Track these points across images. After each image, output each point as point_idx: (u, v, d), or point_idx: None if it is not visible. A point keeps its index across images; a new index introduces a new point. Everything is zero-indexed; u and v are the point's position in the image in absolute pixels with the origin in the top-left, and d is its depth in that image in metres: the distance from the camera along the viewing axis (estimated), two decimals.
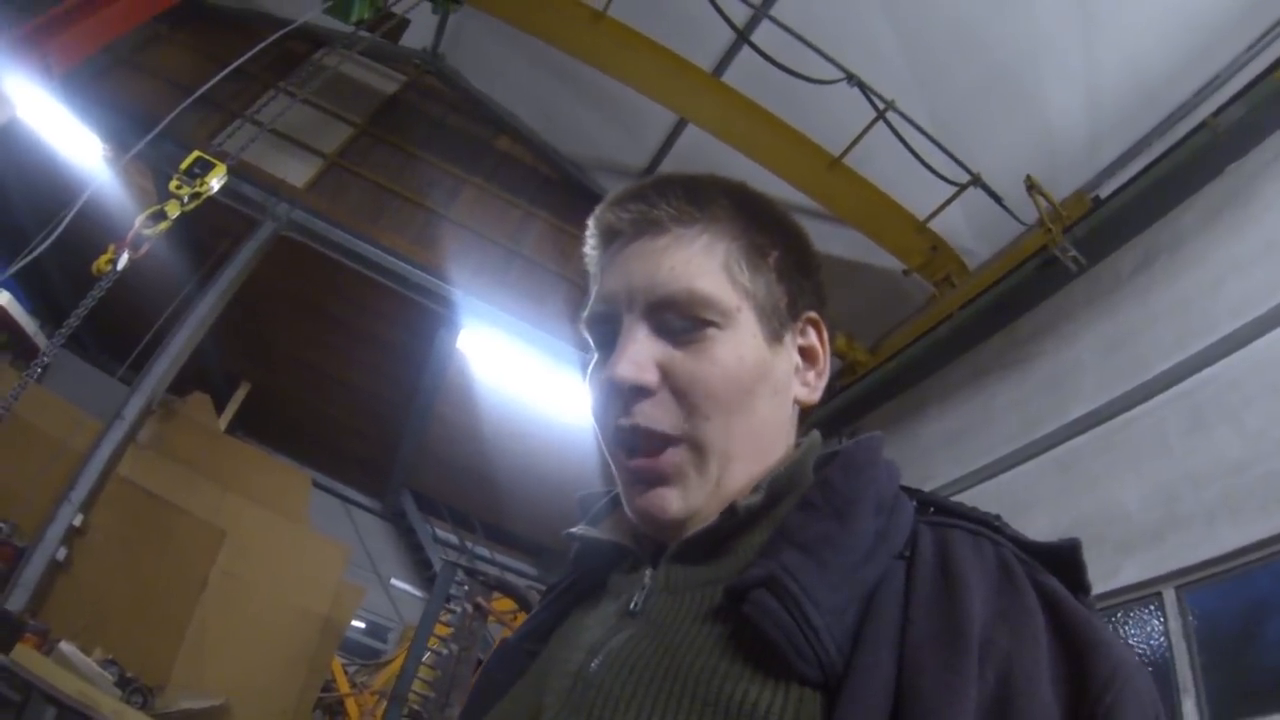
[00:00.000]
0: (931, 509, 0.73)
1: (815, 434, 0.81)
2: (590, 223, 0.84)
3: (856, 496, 0.68)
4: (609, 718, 0.62)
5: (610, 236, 0.82)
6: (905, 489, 0.75)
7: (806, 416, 0.84)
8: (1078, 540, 0.67)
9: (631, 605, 0.72)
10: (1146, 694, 0.57)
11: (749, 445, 0.75)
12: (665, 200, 0.78)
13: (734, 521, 0.71)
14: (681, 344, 0.74)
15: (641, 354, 0.73)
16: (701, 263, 0.75)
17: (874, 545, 0.65)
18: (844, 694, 0.56)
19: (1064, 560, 0.66)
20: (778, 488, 0.73)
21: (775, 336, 0.78)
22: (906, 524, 0.69)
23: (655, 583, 0.73)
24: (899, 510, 0.70)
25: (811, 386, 0.82)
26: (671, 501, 0.73)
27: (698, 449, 0.73)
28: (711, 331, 0.73)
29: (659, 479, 0.73)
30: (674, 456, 0.73)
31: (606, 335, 0.79)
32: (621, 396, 0.74)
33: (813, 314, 0.83)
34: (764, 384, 0.75)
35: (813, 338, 0.83)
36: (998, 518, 0.70)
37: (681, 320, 0.74)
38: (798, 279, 0.82)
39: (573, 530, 0.84)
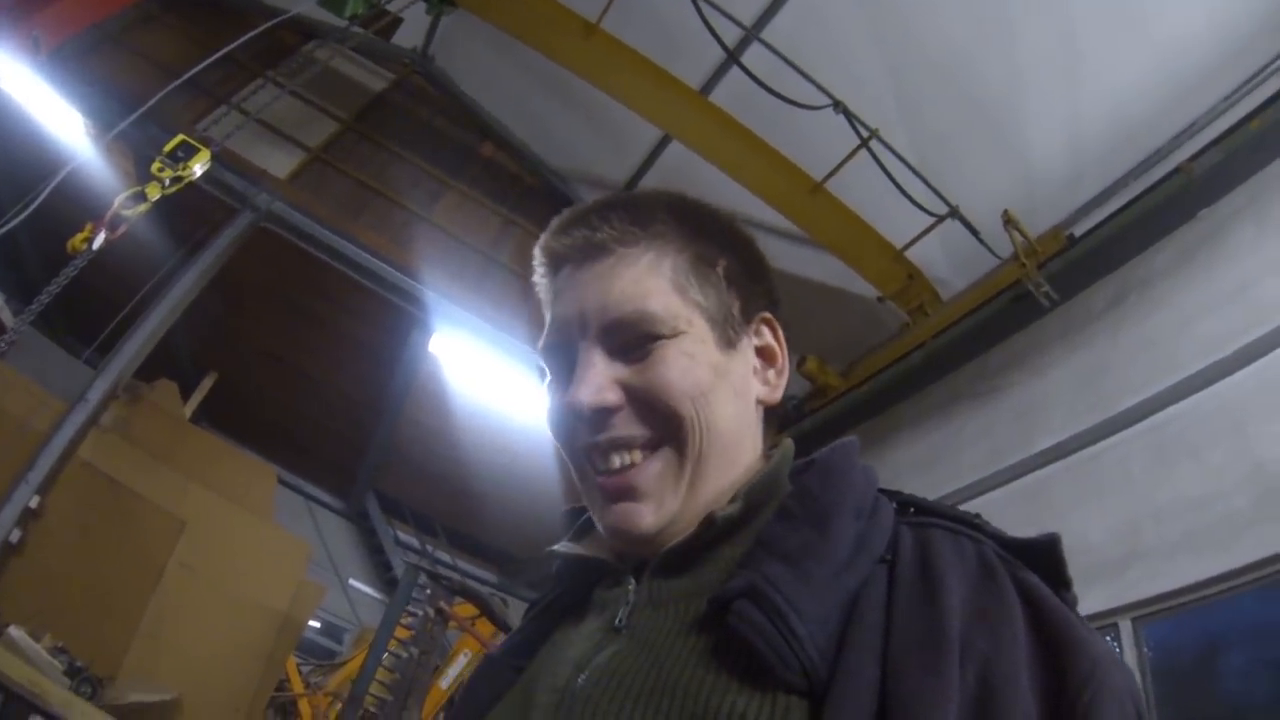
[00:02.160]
0: (912, 510, 0.75)
1: (788, 442, 0.83)
2: (537, 251, 0.85)
3: (835, 503, 0.69)
4: None
5: (557, 264, 0.83)
6: (884, 491, 0.76)
7: (772, 418, 0.85)
8: (1057, 535, 0.68)
9: (616, 620, 0.72)
10: (1125, 690, 0.58)
11: (720, 444, 0.76)
12: (607, 223, 0.79)
13: (713, 532, 0.72)
14: (636, 361, 0.75)
15: (600, 377, 0.75)
16: (649, 281, 0.77)
17: (854, 551, 0.66)
18: (829, 701, 0.57)
19: (1044, 556, 0.67)
20: (755, 497, 0.74)
21: (729, 342, 0.79)
22: (887, 527, 0.70)
23: (639, 597, 0.74)
24: (878, 514, 0.71)
25: (772, 385, 0.84)
26: (643, 515, 0.74)
27: (675, 447, 0.74)
28: (662, 342, 0.75)
29: (630, 494, 0.74)
30: (646, 468, 0.74)
31: (563, 363, 0.80)
32: (586, 420, 0.75)
33: (766, 314, 0.85)
34: (723, 383, 0.77)
35: (769, 337, 0.85)
36: (978, 516, 0.72)
37: (634, 339, 0.76)
38: (747, 283, 0.83)
39: (555, 547, 0.85)
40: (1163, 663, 3.67)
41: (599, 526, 0.79)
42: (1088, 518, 4.22)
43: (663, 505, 0.74)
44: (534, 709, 0.70)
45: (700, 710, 0.60)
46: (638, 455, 0.75)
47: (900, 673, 0.57)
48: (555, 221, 0.83)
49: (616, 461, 0.75)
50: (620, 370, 0.75)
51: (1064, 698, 0.56)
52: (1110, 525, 4.06)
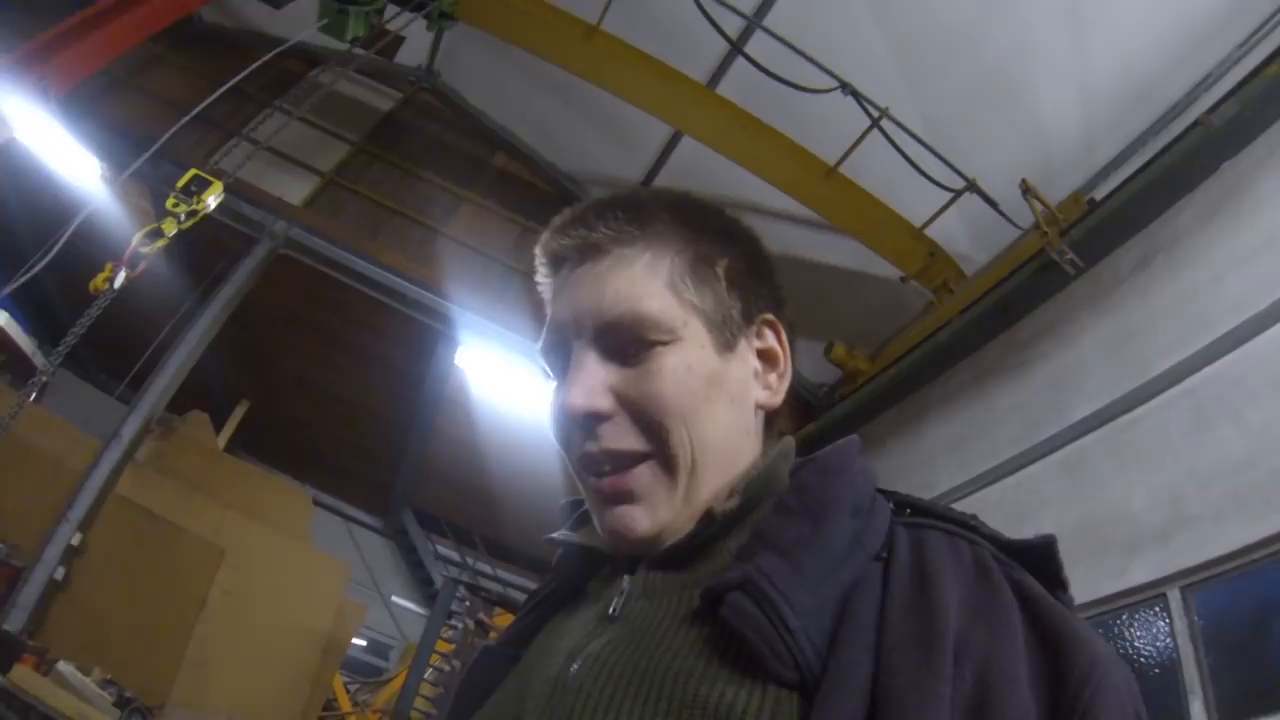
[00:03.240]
0: (908, 510, 0.74)
1: (788, 439, 0.82)
2: (537, 251, 0.84)
3: (832, 500, 0.69)
4: None
5: (557, 264, 0.82)
6: (882, 491, 0.75)
7: (774, 421, 0.84)
8: (1053, 537, 0.68)
9: (610, 610, 0.72)
10: (1125, 688, 0.58)
11: (713, 455, 0.75)
12: (604, 222, 0.78)
13: (711, 528, 0.72)
14: (631, 365, 0.75)
15: (593, 380, 0.74)
16: (645, 283, 0.76)
17: (850, 548, 0.66)
18: (820, 696, 0.57)
19: (1040, 557, 0.67)
20: (753, 492, 0.73)
21: (727, 345, 0.78)
22: (883, 526, 0.69)
23: (634, 588, 0.73)
24: (875, 513, 0.70)
25: (773, 389, 0.82)
26: (639, 520, 0.74)
27: (664, 463, 0.73)
28: (659, 349, 0.74)
29: (626, 498, 0.74)
30: (640, 474, 0.74)
31: (560, 364, 0.80)
32: (579, 424, 0.74)
33: (769, 316, 0.83)
34: (718, 392, 0.75)
35: (771, 340, 0.83)
36: (974, 517, 0.71)
37: (629, 342, 0.75)
38: (750, 283, 0.82)
39: (553, 535, 0.86)
40: (1216, 631, 3.56)
41: (598, 529, 0.78)
42: (1129, 486, 4.12)
43: (656, 511, 0.74)
44: (528, 698, 0.70)
45: (690, 699, 0.60)
46: (635, 460, 0.74)
47: (893, 669, 0.57)
48: (555, 221, 0.82)
49: (609, 468, 0.74)
50: (615, 374, 0.75)
51: (1064, 696, 0.56)
52: (1152, 493, 3.96)
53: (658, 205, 0.81)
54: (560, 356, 0.79)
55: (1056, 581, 0.66)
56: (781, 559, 0.64)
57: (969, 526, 0.69)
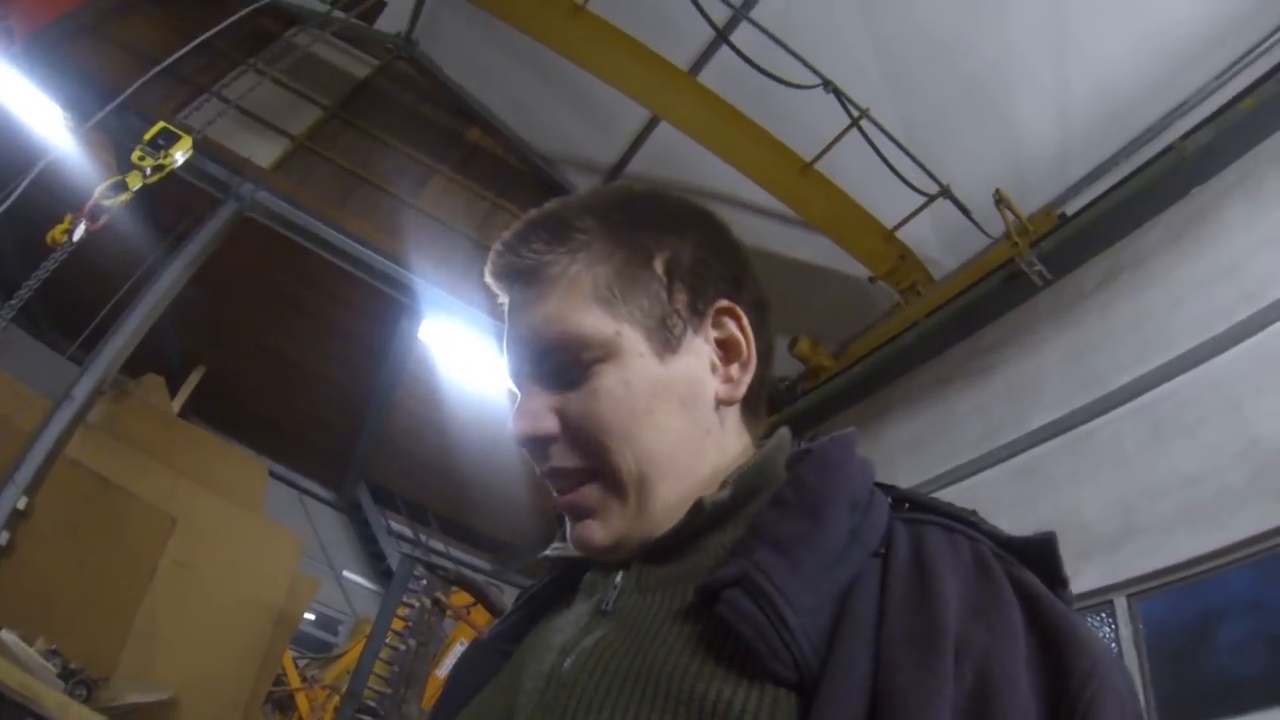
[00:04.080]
0: (907, 505, 0.74)
1: (784, 430, 0.81)
2: (485, 274, 0.83)
3: (830, 494, 0.68)
4: (581, 718, 0.62)
5: (501, 286, 0.82)
6: (881, 485, 0.74)
7: (755, 408, 0.82)
8: (1053, 534, 0.67)
9: (603, 605, 0.72)
10: (1125, 689, 0.58)
11: (662, 464, 0.74)
12: (526, 245, 0.78)
13: (702, 518, 0.71)
14: (574, 387, 0.74)
15: (534, 405, 0.75)
16: (571, 301, 0.75)
17: (848, 543, 0.65)
18: (819, 695, 0.56)
19: (1040, 554, 0.67)
20: (746, 483, 0.72)
21: (669, 346, 0.76)
22: (881, 521, 0.68)
23: (627, 582, 0.73)
24: (874, 507, 0.69)
25: (735, 381, 0.79)
26: (595, 532, 0.75)
27: (608, 481, 0.74)
28: (598, 367, 0.73)
29: (582, 512, 0.75)
30: (589, 493, 0.74)
31: (516, 389, 0.80)
32: (526, 448, 0.76)
33: (724, 303, 0.79)
34: (662, 401, 0.74)
35: (731, 328, 0.79)
36: (973, 513, 0.71)
37: (568, 365, 0.74)
38: (696, 273, 0.79)
39: (546, 553, 0.85)
40: (1158, 639, 3.71)
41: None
42: (1082, 495, 4.26)
43: (609, 524, 0.74)
44: (520, 694, 0.69)
45: (686, 697, 0.59)
46: (582, 479, 0.75)
47: (892, 667, 0.56)
48: (494, 247, 0.82)
49: (566, 484, 0.76)
50: (557, 398, 0.75)
51: (1064, 696, 0.56)
52: (1105, 503, 4.10)
53: (584, 214, 0.79)
54: (515, 382, 0.80)
55: (1056, 579, 0.65)
56: (779, 555, 0.63)
57: (968, 522, 0.69)
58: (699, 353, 0.77)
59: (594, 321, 0.74)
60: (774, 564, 0.62)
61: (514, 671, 0.75)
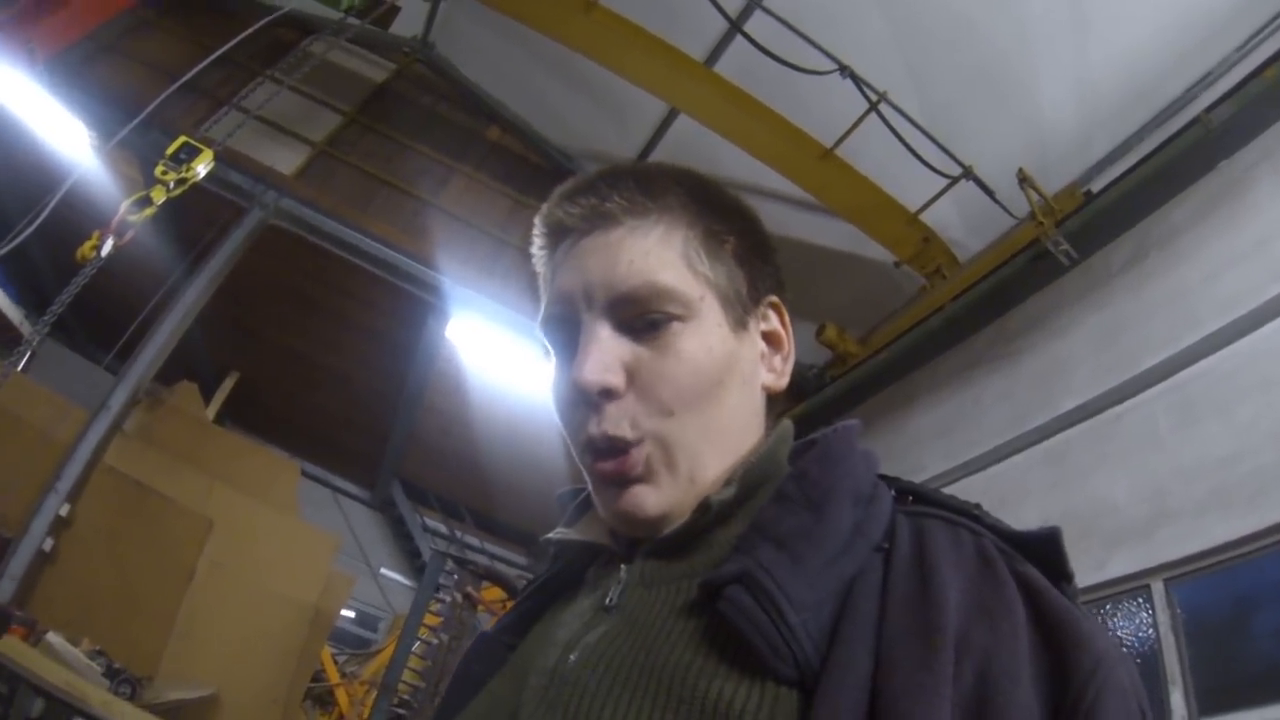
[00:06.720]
0: (910, 499, 0.72)
1: (786, 423, 0.79)
2: (537, 221, 0.81)
3: (833, 488, 0.67)
4: (585, 714, 0.62)
5: (560, 234, 0.79)
6: (884, 478, 0.73)
7: (774, 403, 0.82)
8: (1058, 528, 0.66)
9: (607, 600, 0.71)
10: (1130, 686, 0.56)
11: (719, 439, 0.73)
12: (617, 191, 0.75)
13: (708, 518, 0.70)
14: (646, 341, 0.72)
15: (606, 355, 0.71)
16: (660, 254, 0.73)
17: (851, 538, 0.64)
18: (820, 693, 0.55)
19: (1044, 549, 0.65)
20: (750, 480, 0.71)
21: (739, 324, 0.76)
22: (884, 515, 0.67)
23: (631, 577, 0.72)
24: (877, 501, 0.68)
25: (778, 372, 0.80)
26: (648, 498, 0.71)
27: (666, 448, 0.71)
28: (676, 326, 0.71)
29: (633, 479, 0.71)
30: (646, 456, 0.71)
31: (565, 338, 0.76)
32: (588, 400, 0.71)
33: (773, 298, 0.81)
34: (732, 375, 0.74)
35: (775, 322, 0.81)
36: (977, 506, 0.69)
37: (644, 316, 0.72)
38: (756, 264, 0.80)
39: (550, 535, 0.83)
40: (1196, 625, 3.62)
41: (601, 512, 0.76)
42: (1113, 479, 4.16)
43: (662, 491, 0.71)
44: (525, 689, 0.69)
45: (688, 694, 0.59)
46: (638, 445, 0.71)
47: (891, 666, 0.55)
48: (559, 190, 0.80)
49: (614, 449, 0.71)
50: (627, 348, 0.72)
51: (1068, 694, 0.54)
52: (1137, 486, 4.00)
53: (668, 179, 0.78)
54: (565, 330, 0.76)
55: (1061, 574, 0.64)
56: (781, 551, 0.62)
57: (972, 516, 0.68)
58: (754, 339, 0.79)
59: (681, 279, 0.72)
60: (776, 560, 0.61)
61: (519, 665, 0.75)
